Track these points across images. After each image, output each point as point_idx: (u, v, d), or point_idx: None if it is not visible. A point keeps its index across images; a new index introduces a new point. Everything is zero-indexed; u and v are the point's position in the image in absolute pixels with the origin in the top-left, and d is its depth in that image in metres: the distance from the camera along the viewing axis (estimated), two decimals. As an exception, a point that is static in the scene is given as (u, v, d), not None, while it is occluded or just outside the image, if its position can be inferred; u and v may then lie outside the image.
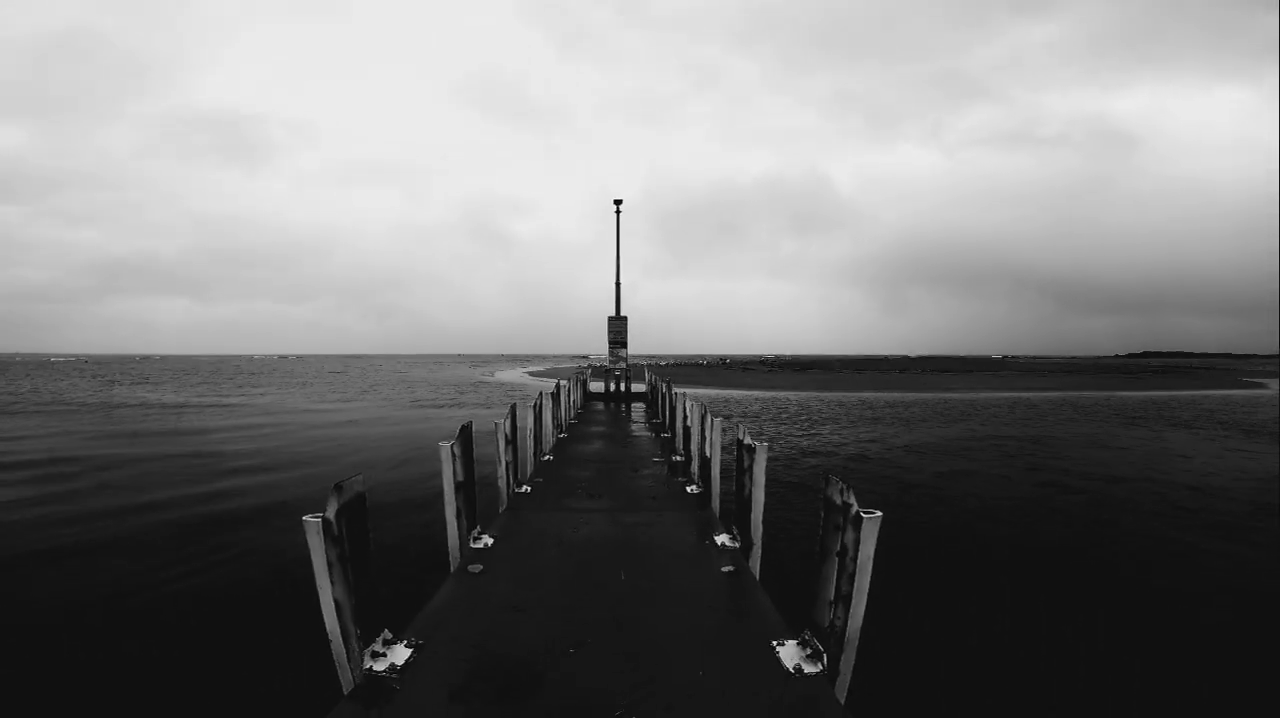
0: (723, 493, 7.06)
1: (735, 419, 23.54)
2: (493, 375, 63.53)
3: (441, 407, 29.75)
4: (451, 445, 5.16)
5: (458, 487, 5.32)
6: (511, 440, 7.36)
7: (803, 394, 36.09)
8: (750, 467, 5.29)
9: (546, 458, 9.86)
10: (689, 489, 7.85)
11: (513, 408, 7.45)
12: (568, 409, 14.09)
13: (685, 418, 9.66)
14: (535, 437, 9.51)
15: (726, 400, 31.64)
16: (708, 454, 7.48)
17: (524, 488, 7.75)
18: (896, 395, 36.45)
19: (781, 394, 36.38)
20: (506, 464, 7.33)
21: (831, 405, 29.27)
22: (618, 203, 22.79)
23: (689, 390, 33.50)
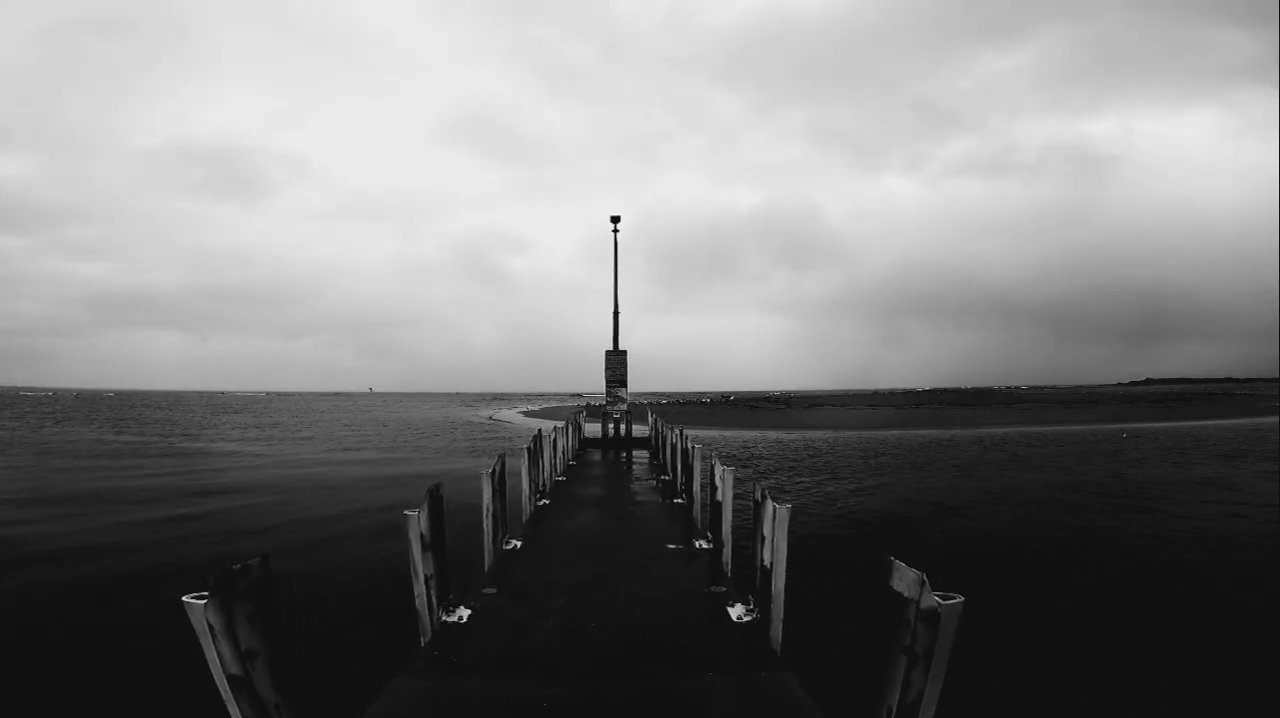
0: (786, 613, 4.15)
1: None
2: (489, 416, 60.28)
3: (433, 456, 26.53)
4: (204, 609, 2.16)
5: (236, 683, 2.30)
6: (431, 544, 4.36)
7: (822, 435, 32.92)
8: (930, 647, 2.27)
9: (512, 545, 6.81)
10: (734, 614, 4.81)
11: (431, 491, 4.45)
12: (553, 464, 11.08)
13: (715, 488, 6.65)
14: (494, 518, 6.49)
15: (737, 442, 28.52)
16: (766, 562, 4.48)
17: (458, 614, 4.70)
18: (925, 433, 33.33)
19: (799, 435, 33.24)
20: (426, 580, 4.36)
21: (860, 448, 26.11)
22: (615, 220, 20.23)
23: (697, 433, 30.13)
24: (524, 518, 8.73)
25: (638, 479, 11.89)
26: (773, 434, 32.91)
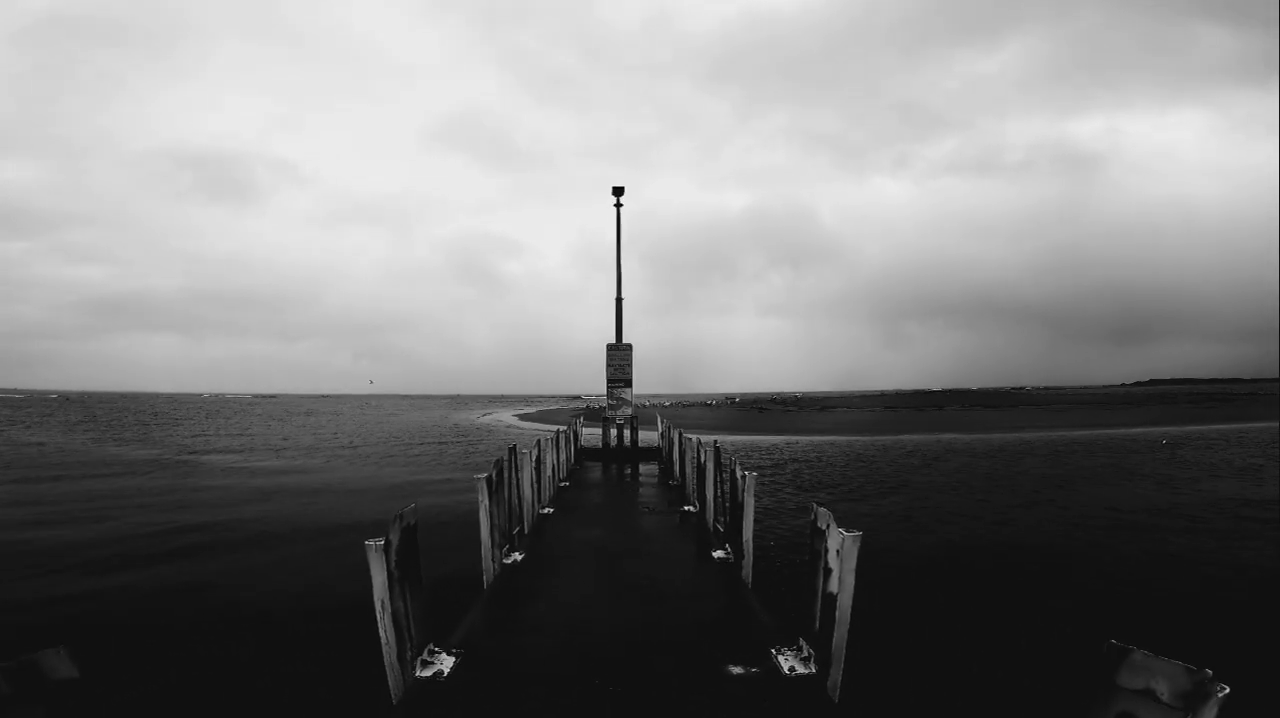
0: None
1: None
2: (479, 418, 57.07)
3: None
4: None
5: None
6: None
7: (851, 440, 29.67)
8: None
9: (435, 669, 3.69)
10: None
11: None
12: (534, 493, 7.97)
13: (825, 571, 3.52)
14: (395, 622, 3.38)
15: (758, 450, 25.38)
16: None
17: None
18: (960, 438, 30.19)
19: (824, 440, 30.11)
20: None
21: (900, 457, 22.95)
22: (617, 193, 17.15)
23: (709, 439, 26.58)
24: (485, 582, 5.67)
25: (651, 511, 8.77)
26: (794, 440, 29.74)
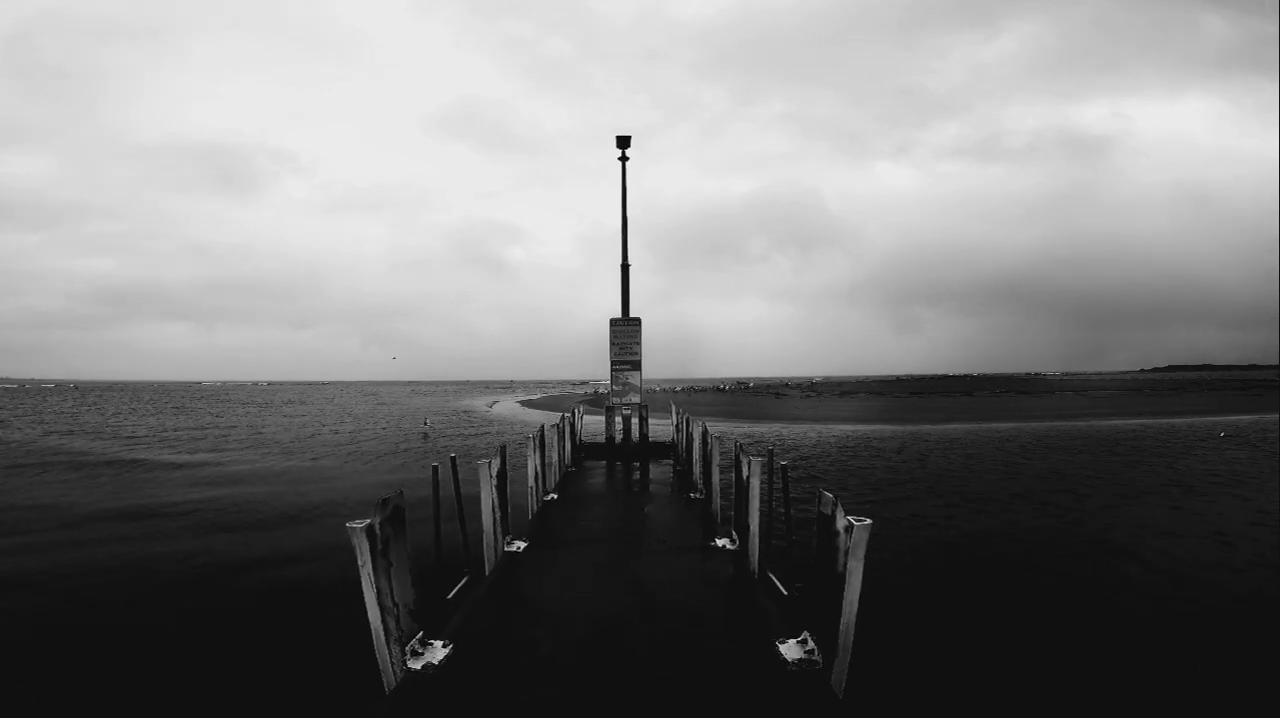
0: None
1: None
2: (480, 406, 54.65)
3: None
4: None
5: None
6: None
7: (886, 430, 26.77)
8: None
9: None
10: None
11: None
12: (498, 525, 5.35)
13: None
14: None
15: (784, 442, 22.65)
16: None
17: None
18: (1005, 427, 27.33)
19: (851, 429, 27.34)
20: None
21: (965, 452, 20.12)
22: (623, 144, 14.35)
23: (724, 427, 24.37)
24: (385, 686, 3.15)
25: (667, 546, 6.06)
26: (824, 429, 27.00)
